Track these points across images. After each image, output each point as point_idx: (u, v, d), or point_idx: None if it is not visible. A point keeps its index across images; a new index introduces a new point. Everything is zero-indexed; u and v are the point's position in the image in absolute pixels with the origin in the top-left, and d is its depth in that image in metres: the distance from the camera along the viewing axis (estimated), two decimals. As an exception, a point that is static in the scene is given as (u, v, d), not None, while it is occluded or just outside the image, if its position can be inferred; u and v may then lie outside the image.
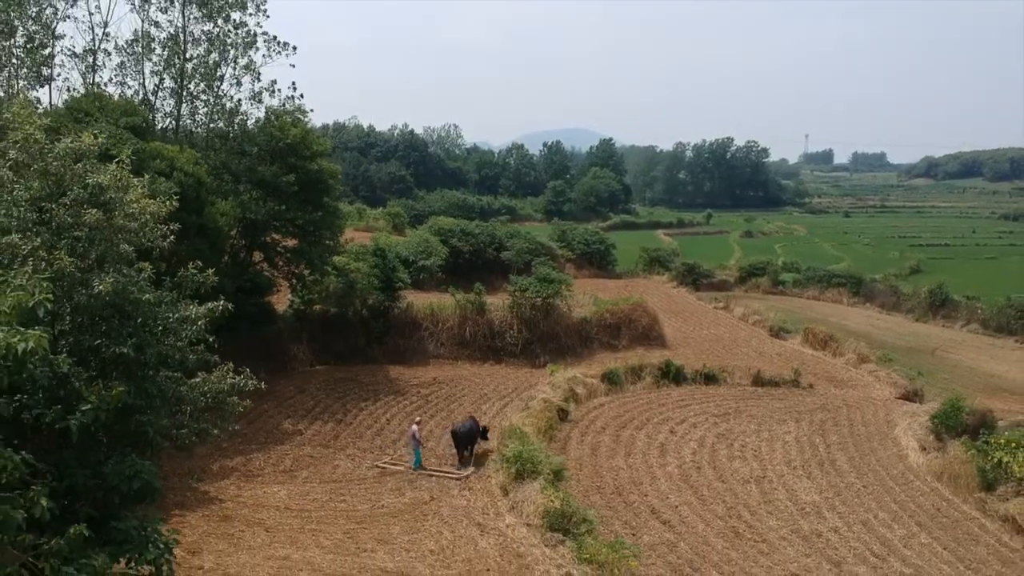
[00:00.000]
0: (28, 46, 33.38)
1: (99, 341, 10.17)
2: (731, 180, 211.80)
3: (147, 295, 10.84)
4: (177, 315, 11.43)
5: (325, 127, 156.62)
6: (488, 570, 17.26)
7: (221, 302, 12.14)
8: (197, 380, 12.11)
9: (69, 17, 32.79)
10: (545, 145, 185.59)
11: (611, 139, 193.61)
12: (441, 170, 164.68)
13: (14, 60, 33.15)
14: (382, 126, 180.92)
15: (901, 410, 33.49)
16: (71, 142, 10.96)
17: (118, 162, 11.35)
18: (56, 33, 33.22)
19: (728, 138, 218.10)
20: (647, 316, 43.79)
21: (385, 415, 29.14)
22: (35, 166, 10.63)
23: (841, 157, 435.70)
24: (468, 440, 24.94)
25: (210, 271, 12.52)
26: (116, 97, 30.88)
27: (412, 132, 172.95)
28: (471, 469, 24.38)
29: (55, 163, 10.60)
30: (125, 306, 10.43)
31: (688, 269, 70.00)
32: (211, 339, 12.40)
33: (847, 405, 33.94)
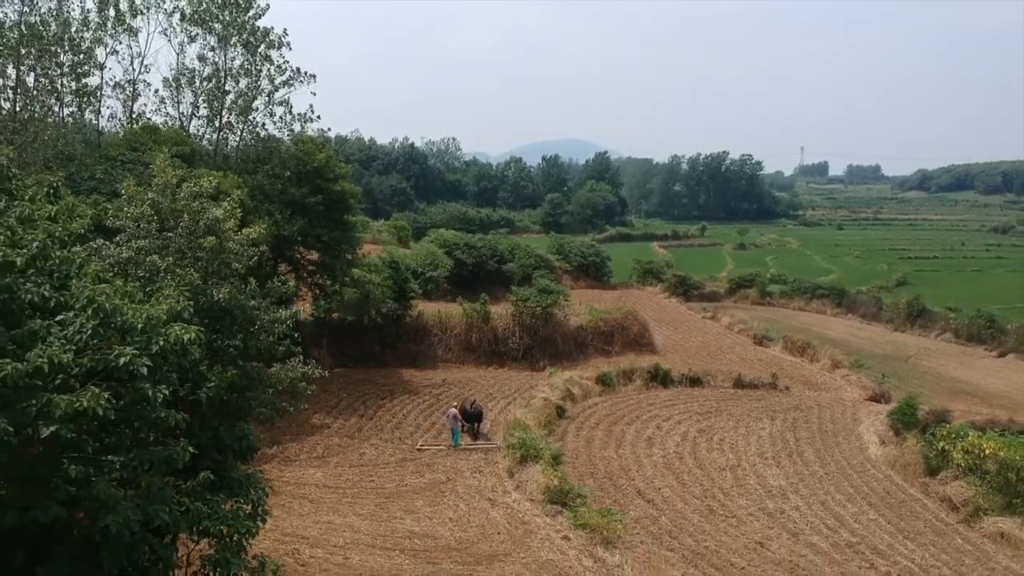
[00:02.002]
0: (75, 72, 36.65)
1: (214, 336, 13.48)
2: (726, 193, 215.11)
3: (252, 301, 14.22)
4: (269, 317, 14.80)
5: (328, 140, 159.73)
6: (498, 533, 20.64)
7: (299, 307, 15.55)
8: (275, 368, 15.46)
9: (116, 52, 36.12)
10: (543, 158, 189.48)
11: (607, 152, 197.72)
12: (441, 182, 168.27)
13: (62, 89, 36.44)
14: (382, 139, 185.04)
15: (867, 410, 36.92)
16: (192, 186, 14.37)
17: (230, 200, 14.78)
18: (103, 65, 36.51)
19: (723, 152, 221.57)
20: (638, 324, 47.26)
21: (402, 411, 32.48)
22: (165, 203, 14.01)
23: (836, 169, 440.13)
24: (476, 418, 29.85)
25: (290, 283, 15.97)
26: (161, 127, 34.37)
27: (412, 145, 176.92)
28: (498, 442, 28.59)
29: (182, 202, 13.99)
30: (234, 310, 13.75)
31: (680, 280, 73.31)
32: (296, 335, 15.80)
33: (818, 405, 37.37)
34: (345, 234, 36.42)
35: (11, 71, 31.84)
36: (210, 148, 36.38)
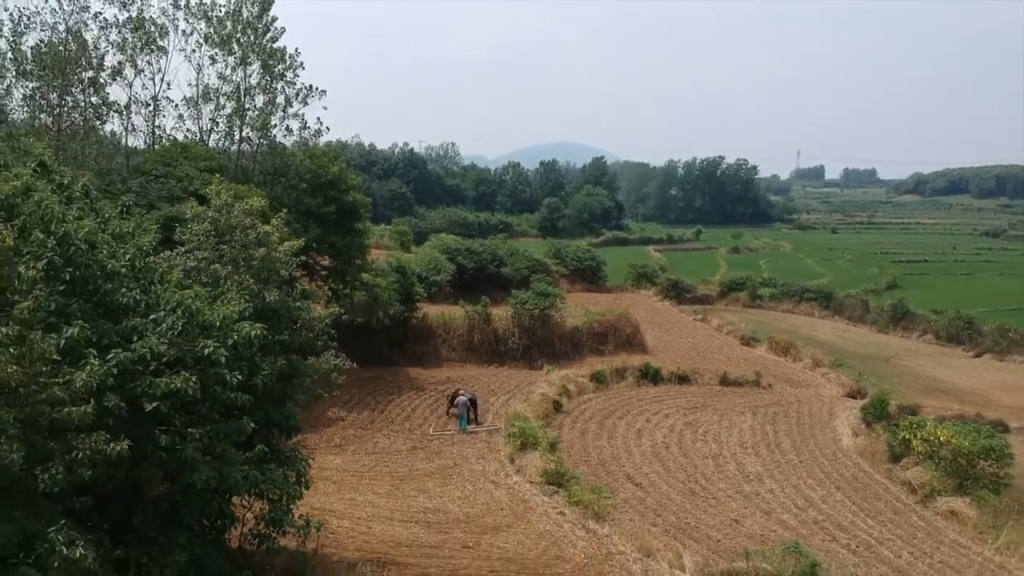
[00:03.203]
0: (94, 86, 39.01)
1: (265, 332, 15.99)
2: (721, 197, 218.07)
3: (298, 303, 16.81)
4: (310, 315, 17.38)
5: (328, 145, 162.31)
6: (501, 509, 23.24)
7: (337, 308, 18.14)
8: (311, 360, 18.01)
9: (142, 71, 38.60)
10: (541, 163, 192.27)
11: (603, 157, 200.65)
12: (440, 187, 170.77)
13: (90, 108, 38.84)
14: (382, 144, 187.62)
15: (844, 405, 39.56)
16: (246, 204, 16.96)
17: (278, 216, 17.44)
18: (131, 83, 39.01)
19: (719, 156, 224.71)
20: (630, 326, 49.91)
21: (410, 405, 35.07)
22: (223, 220, 16.60)
23: (832, 173, 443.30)
24: (472, 405, 33.00)
25: (324, 288, 18.54)
26: (186, 142, 36.99)
27: (412, 150, 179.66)
28: (499, 425, 32.01)
29: (236, 218, 16.57)
30: (281, 310, 16.30)
31: (672, 284, 76.03)
32: (332, 332, 18.40)
33: (798, 401, 40.00)
34: (355, 241, 38.96)
35: (53, 97, 34.19)
36: (230, 161, 38.91)
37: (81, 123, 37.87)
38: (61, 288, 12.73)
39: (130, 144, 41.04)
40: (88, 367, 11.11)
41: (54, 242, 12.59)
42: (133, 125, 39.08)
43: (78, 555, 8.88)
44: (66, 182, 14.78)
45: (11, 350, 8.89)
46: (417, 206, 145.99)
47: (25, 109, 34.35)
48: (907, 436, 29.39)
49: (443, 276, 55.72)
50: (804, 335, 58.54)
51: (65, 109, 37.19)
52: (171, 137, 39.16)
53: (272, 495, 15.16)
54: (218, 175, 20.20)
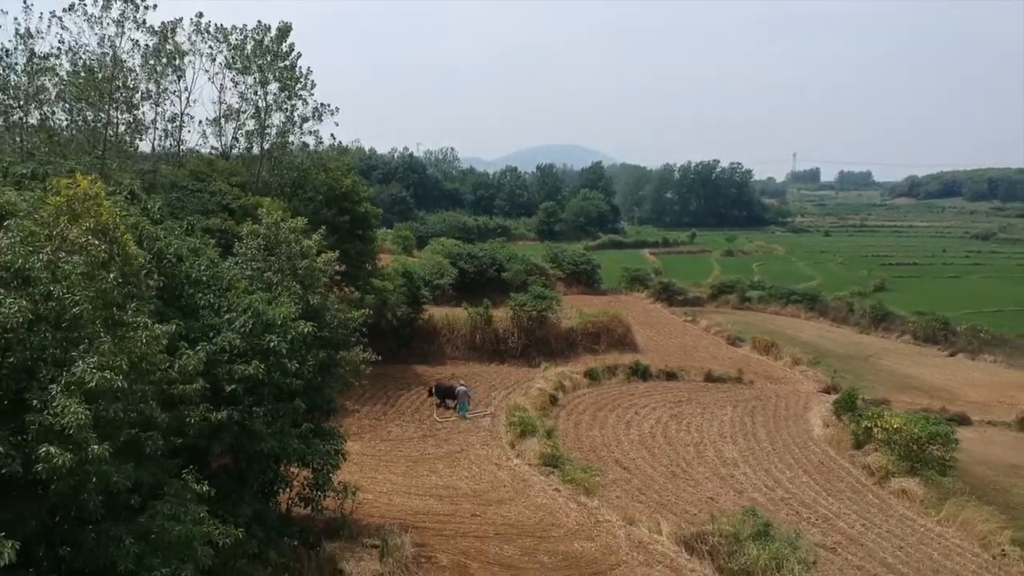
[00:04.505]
0: (128, 105, 42.02)
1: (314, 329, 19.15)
2: (716, 200, 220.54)
3: (335, 305, 20.00)
4: (345, 316, 20.56)
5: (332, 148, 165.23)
6: (504, 486, 26.48)
7: (368, 310, 21.33)
8: (343, 354, 21.18)
9: (167, 90, 41.68)
10: (538, 167, 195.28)
11: (600, 162, 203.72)
12: (439, 191, 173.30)
13: (123, 125, 41.86)
14: (382, 148, 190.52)
15: (818, 400, 42.76)
16: (293, 222, 20.18)
17: (319, 232, 20.73)
18: (157, 102, 42.06)
19: (714, 160, 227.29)
20: (622, 326, 53.19)
21: (418, 399, 38.25)
22: (272, 236, 19.79)
23: (828, 175, 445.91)
24: (463, 395, 36.44)
25: (357, 293, 21.76)
26: (210, 158, 40.20)
27: (411, 155, 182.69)
28: (491, 408, 36.01)
29: (283, 235, 19.79)
30: (322, 311, 19.45)
31: (664, 287, 79.01)
32: (364, 330, 21.60)
33: (776, 396, 43.19)
34: (367, 248, 42.19)
35: (89, 114, 37.19)
36: (251, 175, 42.02)
37: (115, 140, 40.92)
38: (152, 293, 15.92)
39: (156, 159, 44.05)
40: (186, 355, 14.26)
41: (150, 256, 15.77)
42: (162, 145, 42.10)
43: (204, 490, 12.09)
44: (149, 206, 17.98)
45: (163, 341, 12.00)
46: (416, 210, 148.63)
47: (69, 129, 37.33)
48: (869, 425, 32.62)
49: (446, 280, 58.92)
50: (789, 336, 61.60)
51: (103, 128, 40.17)
52: (196, 152, 42.26)
53: (316, 464, 18.32)
54: (269, 198, 23.39)
